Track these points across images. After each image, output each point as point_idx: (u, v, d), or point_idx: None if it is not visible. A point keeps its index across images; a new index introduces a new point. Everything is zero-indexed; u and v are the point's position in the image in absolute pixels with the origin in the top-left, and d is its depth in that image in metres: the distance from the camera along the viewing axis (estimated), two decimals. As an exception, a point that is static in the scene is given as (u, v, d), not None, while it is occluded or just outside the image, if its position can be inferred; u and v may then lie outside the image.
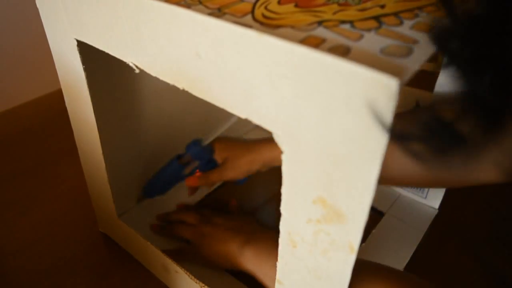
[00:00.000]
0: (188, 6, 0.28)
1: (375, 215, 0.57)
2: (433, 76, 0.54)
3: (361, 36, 0.25)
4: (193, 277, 0.44)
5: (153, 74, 0.32)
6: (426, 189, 0.58)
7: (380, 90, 0.20)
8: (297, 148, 0.25)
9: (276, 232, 0.30)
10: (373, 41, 0.24)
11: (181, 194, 0.59)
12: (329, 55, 0.21)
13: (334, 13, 0.28)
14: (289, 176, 0.27)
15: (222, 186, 0.63)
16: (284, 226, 0.29)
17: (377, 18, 0.27)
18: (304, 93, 0.23)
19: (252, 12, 0.28)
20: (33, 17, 1.04)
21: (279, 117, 0.25)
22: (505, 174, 0.37)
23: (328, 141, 0.24)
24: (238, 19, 0.27)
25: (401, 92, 0.20)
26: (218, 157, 0.56)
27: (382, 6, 0.29)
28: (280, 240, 0.30)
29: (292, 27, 0.26)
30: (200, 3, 0.29)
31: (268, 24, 0.26)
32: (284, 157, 0.26)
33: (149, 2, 0.29)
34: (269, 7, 0.29)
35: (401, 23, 0.27)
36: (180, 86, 0.30)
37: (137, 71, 0.33)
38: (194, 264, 0.49)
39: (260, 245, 0.45)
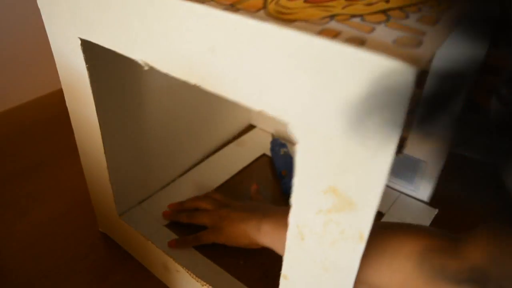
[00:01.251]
0: (202, 1, 0.29)
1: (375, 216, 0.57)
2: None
3: (373, 29, 0.26)
4: (194, 276, 0.44)
5: (164, 70, 0.32)
6: (426, 190, 0.58)
7: (399, 78, 0.21)
8: (311, 139, 0.26)
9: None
10: (385, 33, 0.25)
11: (182, 194, 0.59)
12: (348, 45, 0.22)
13: (343, 7, 0.29)
14: (302, 167, 0.27)
15: (240, 173, 0.64)
16: (293, 218, 0.30)
17: (384, 12, 0.28)
18: (322, 84, 0.24)
19: (265, 7, 0.29)
20: (33, 17, 1.04)
21: (295, 108, 0.26)
22: None
23: (343, 131, 0.24)
24: (253, 14, 0.27)
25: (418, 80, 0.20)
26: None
27: (387, 1, 0.31)
28: (288, 234, 0.31)
29: (306, 21, 0.26)
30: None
31: (282, 18, 0.27)
32: (298, 149, 0.27)
33: None
34: (280, 2, 0.30)
35: (407, 16, 0.28)
36: (192, 81, 0.31)
37: (146, 68, 0.33)
38: (194, 263, 0.49)
39: (277, 218, 0.46)
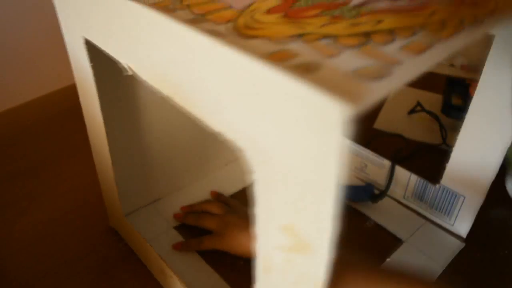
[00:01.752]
0: (173, 10, 0.27)
1: (393, 242, 0.53)
2: (435, 77, 0.54)
3: (339, 53, 0.23)
4: (183, 283, 0.43)
5: (143, 78, 0.32)
6: (454, 214, 0.54)
7: (331, 116, 0.18)
8: (265, 170, 0.24)
9: None
10: (349, 60, 0.22)
11: (195, 198, 0.59)
12: (280, 73, 0.20)
13: (322, 26, 0.26)
14: (259, 198, 0.25)
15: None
16: (258, 249, 0.28)
17: (366, 34, 0.25)
18: (264, 110, 0.22)
19: (235, 20, 0.27)
20: (34, 17, 1.04)
21: (247, 134, 0.24)
22: None
23: (291, 165, 0.22)
24: (214, 27, 0.26)
25: (357, 118, 0.18)
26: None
27: (379, 21, 0.27)
28: (257, 264, 0.29)
29: (269, 38, 0.24)
30: (188, 7, 0.28)
31: (244, 34, 0.25)
32: (254, 178, 0.25)
33: (131, 4, 0.28)
34: (256, 16, 0.28)
35: (392, 41, 0.25)
36: (165, 92, 0.30)
37: (129, 73, 0.33)
38: (191, 270, 0.49)
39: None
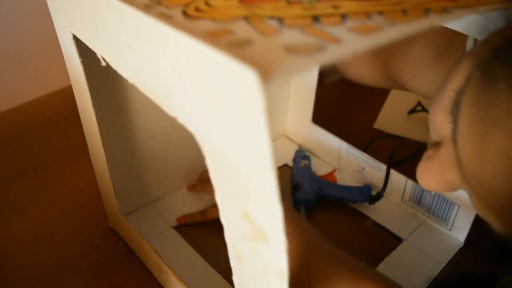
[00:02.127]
0: None
1: (392, 241, 0.54)
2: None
3: (278, 32, 0.22)
4: (179, 278, 0.43)
5: (114, 67, 0.32)
6: (451, 221, 0.54)
7: (246, 86, 0.18)
8: (214, 155, 0.23)
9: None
10: (287, 38, 0.21)
11: (187, 199, 0.59)
12: (202, 43, 0.20)
13: (273, 9, 0.26)
14: (217, 185, 0.25)
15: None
16: (227, 238, 0.27)
17: (316, 17, 0.24)
18: (200, 90, 0.22)
19: (187, 4, 0.26)
20: (33, 17, 1.04)
21: (193, 118, 0.24)
22: None
23: (229, 148, 0.21)
24: (165, 11, 0.25)
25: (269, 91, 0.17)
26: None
27: (336, 7, 0.26)
28: (229, 254, 0.28)
29: (213, 20, 0.24)
30: None
31: (192, 16, 0.24)
32: (208, 163, 0.24)
33: None
34: (210, 1, 0.27)
35: (341, 22, 0.24)
36: (130, 80, 0.30)
37: (103, 64, 0.33)
38: (188, 265, 0.49)
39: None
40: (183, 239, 0.53)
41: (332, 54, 0.20)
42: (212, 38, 0.21)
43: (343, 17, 0.24)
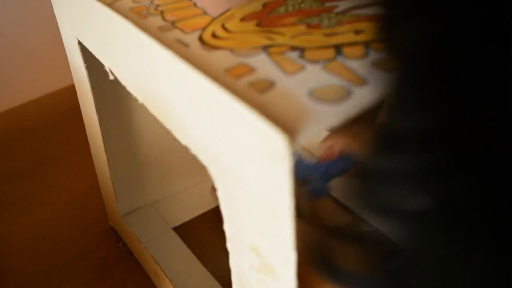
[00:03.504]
0: (146, 16, 0.27)
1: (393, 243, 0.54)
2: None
3: (301, 69, 0.21)
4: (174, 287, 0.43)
5: (122, 83, 0.31)
6: None
7: (271, 146, 0.18)
8: (228, 189, 0.23)
9: None
10: (309, 78, 0.21)
11: (188, 200, 0.59)
12: (227, 92, 0.19)
13: (294, 36, 0.25)
14: (226, 216, 0.25)
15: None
16: (233, 265, 0.27)
17: (338, 47, 0.24)
18: (219, 129, 0.21)
19: (204, 29, 0.26)
20: (33, 17, 1.04)
21: (208, 151, 0.23)
22: None
23: (246, 187, 0.21)
24: (182, 36, 0.25)
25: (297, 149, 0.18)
26: None
27: (358, 32, 0.25)
28: (233, 279, 0.28)
29: (231, 50, 0.23)
30: (161, 13, 0.27)
31: (209, 45, 0.24)
32: (219, 195, 0.24)
33: (106, 10, 0.27)
34: (227, 24, 0.26)
35: (365, 55, 0.23)
36: (140, 99, 0.29)
37: (111, 77, 0.32)
38: (185, 272, 0.49)
39: None
40: (182, 242, 0.53)
41: (359, 102, 0.19)
42: (233, 77, 0.20)
43: (367, 46, 0.23)
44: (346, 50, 0.23)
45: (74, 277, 0.50)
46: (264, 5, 0.28)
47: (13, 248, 0.53)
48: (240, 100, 0.19)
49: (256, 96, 0.19)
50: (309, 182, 0.59)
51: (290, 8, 0.28)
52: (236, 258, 0.26)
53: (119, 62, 0.30)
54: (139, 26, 0.25)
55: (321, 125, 0.18)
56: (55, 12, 0.40)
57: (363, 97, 0.19)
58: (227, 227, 0.25)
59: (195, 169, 0.60)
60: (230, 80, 0.20)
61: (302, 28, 0.25)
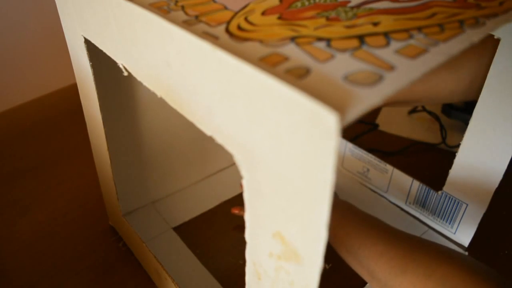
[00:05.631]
0: (168, 11, 0.27)
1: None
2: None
3: (332, 57, 0.22)
4: (177, 286, 0.43)
5: (138, 79, 0.31)
6: (457, 222, 0.53)
7: (319, 124, 0.18)
8: (255, 176, 0.23)
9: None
10: (341, 64, 0.22)
11: (188, 200, 0.59)
12: (270, 77, 0.19)
13: (316, 28, 0.26)
14: (250, 204, 0.25)
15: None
16: (249, 255, 0.27)
17: (361, 37, 0.25)
18: (255, 116, 0.22)
19: (229, 22, 0.26)
20: (33, 17, 1.04)
21: (237, 139, 0.23)
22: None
23: (281, 172, 0.21)
24: (208, 29, 0.25)
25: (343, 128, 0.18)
26: None
27: (376, 24, 0.26)
28: (247, 269, 0.28)
29: (261, 41, 0.24)
30: (182, 8, 0.28)
31: (238, 36, 0.24)
32: (244, 184, 0.25)
33: (127, 4, 0.27)
34: (250, 17, 0.27)
35: (387, 44, 0.24)
36: (158, 94, 0.29)
37: (125, 73, 0.33)
38: (186, 272, 0.49)
39: (343, 207, 0.46)
40: (182, 242, 0.53)
41: (393, 84, 0.20)
42: (269, 65, 0.21)
43: (386, 36, 0.25)
44: (368, 39, 0.24)
45: (74, 277, 0.50)
46: (281, 0, 0.30)
47: (13, 248, 0.53)
48: (285, 83, 0.19)
49: (296, 81, 0.20)
50: None
51: (306, 3, 0.29)
52: (254, 247, 0.27)
53: (137, 57, 0.30)
54: (164, 19, 0.25)
55: (364, 104, 0.19)
56: (59, 11, 0.40)
57: (394, 80, 0.21)
58: (248, 216, 0.26)
59: (196, 169, 0.60)
60: (267, 68, 0.21)
61: (323, 21, 0.26)
